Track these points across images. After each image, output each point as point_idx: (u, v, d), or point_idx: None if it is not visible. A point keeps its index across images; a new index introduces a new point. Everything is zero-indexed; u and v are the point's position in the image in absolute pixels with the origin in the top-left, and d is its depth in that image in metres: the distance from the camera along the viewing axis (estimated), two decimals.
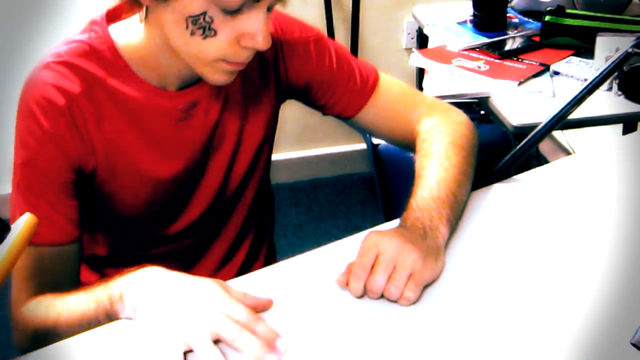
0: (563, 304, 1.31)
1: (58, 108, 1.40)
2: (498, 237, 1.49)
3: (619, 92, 2.29)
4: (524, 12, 2.80)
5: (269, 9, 1.36)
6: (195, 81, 1.49)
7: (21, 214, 1.16)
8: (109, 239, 1.64)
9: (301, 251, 1.46)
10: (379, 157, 3.13)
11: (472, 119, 1.72)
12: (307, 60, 1.63)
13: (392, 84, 1.72)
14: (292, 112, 1.70)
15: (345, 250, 1.42)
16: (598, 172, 1.71)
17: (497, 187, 1.65)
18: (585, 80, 1.65)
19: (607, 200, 1.60)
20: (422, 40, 3.13)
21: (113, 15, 1.48)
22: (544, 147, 3.77)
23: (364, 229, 1.43)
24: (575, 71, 2.39)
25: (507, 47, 2.58)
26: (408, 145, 1.71)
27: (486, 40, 2.62)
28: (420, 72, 3.20)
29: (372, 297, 1.32)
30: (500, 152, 1.76)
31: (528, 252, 1.45)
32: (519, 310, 1.30)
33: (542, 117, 1.65)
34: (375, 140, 2.94)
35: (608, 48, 2.39)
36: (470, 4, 2.73)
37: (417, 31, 3.30)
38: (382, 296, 1.31)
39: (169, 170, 1.53)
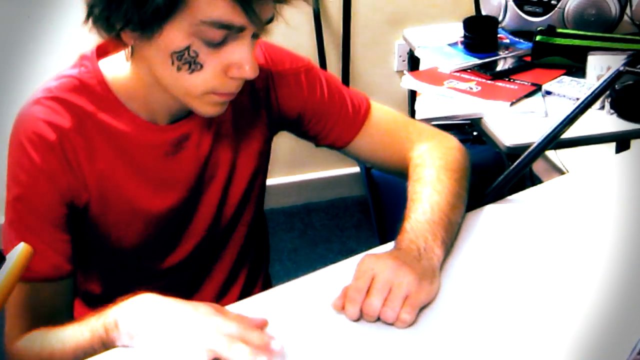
0: (559, 324, 1.30)
1: (49, 143, 1.40)
2: (493, 258, 1.49)
3: (612, 111, 2.30)
4: (514, 33, 2.80)
5: (255, 36, 1.36)
6: (185, 114, 1.49)
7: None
8: (104, 275, 1.63)
9: (296, 276, 1.45)
10: (373, 180, 3.13)
11: (465, 140, 1.72)
12: (299, 91, 1.63)
13: (383, 112, 1.72)
14: (284, 137, 1.70)
15: (340, 274, 1.41)
16: (592, 191, 1.71)
17: (491, 207, 1.65)
18: (578, 99, 1.65)
19: (602, 219, 1.60)
20: (413, 63, 3.13)
21: (103, 50, 1.48)
22: (538, 167, 3.77)
23: (358, 253, 1.43)
24: (567, 90, 2.40)
25: (498, 68, 2.59)
26: (401, 173, 1.70)
27: (477, 61, 2.62)
28: (413, 95, 3.21)
29: (368, 321, 1.31)
30: (494, 173, 1.76)
31: (524, 273, 1.44)
32: (515, 331, 1.29)
33: (534, 137, 1.65)
34: None
35: (599, 66, 2.40)
36: (461, 25, 2.74)
37: (408, 53, 3.30)
38: (378, 319, 1.31)
39: (162, 203, 1.52)
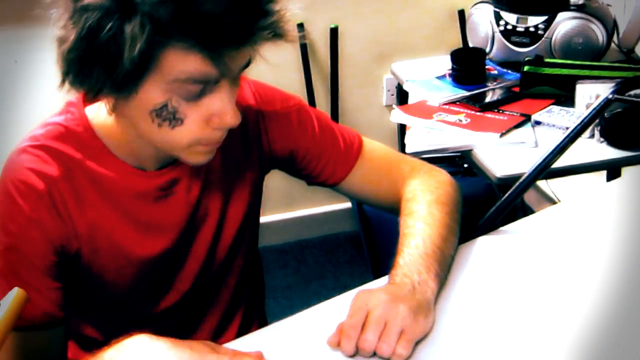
0: (553, 355, 1.30)
1: (38, 192, 1.39)
2: (488, 290, 1.48)
3: (602, 139, 2.30)
4: (502, 64, 2.81)
5: (235, 81, 1.35)
6: (174, 160, 1.49)
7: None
8: (97, 318, 1.62)
9: (291, 312, 1.45)
10: (365, 216, 3.13)
11: (456, 173, 1.72)
12: (290, 131, 1.62)
13: (375, 148, 1.72)
14: (276, 175, 1.69)
15: (335, 310, 1.41)
16: (585, 220, 1.71)
17: (483, 239, 1.65)
18: (567, 128, 1.65)
19: (595, 248, 1.60)
20: (402, 96, 3.13)
21: (89, 97, 1.47)
22: (529, 197, 3.77)
23: (352, 288, 1.43)
24: (556, 120, 2.40)
25: (487, 99, 2.59)
26: (392, 208, 1.70)
27: (466, 93, 2.63)
28: (402, 129, 3.21)
29: (364, 356, 1.31)
30: (485, 204, 1.76)
31: (518, 303, 1.44)
32: None
33: (525, 167, 1.65)
34: None
35: (588, 95, 2.41)
36: (449, 57, 2.74)
37: (396, 87, 3.31)
38: (374, 354, 1.30)
39: (153, 249, 1.51)
